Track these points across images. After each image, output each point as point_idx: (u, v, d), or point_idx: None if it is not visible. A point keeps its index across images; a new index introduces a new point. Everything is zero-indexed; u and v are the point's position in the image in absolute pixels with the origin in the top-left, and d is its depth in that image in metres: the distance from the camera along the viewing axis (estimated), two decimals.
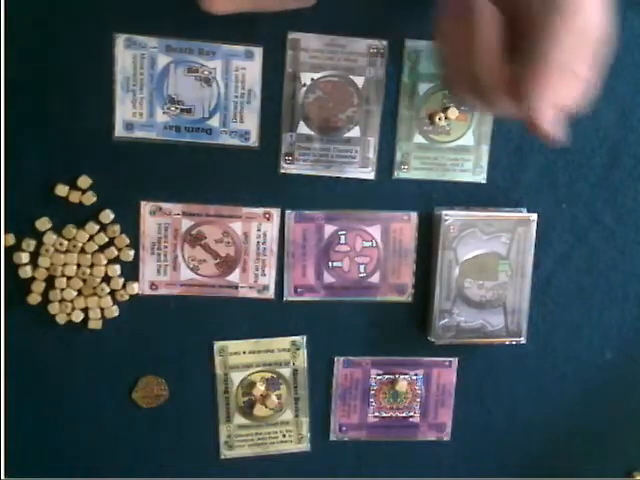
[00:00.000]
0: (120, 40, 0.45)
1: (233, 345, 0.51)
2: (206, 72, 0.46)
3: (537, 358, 0.54)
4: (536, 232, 0.51)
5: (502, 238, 0.50)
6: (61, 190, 0.47)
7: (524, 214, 0.51)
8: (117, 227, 0.48)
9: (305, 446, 0.54)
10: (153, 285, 0.50)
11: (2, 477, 0.50)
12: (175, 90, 0.47)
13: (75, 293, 0.48)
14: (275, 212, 0.49)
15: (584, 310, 0.54)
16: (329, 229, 0.50)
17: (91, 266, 0.48)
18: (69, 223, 0.48)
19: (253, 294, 0.51)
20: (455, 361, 0.53)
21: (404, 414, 0.54)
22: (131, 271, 0.49)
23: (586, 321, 0.54)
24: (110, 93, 0.46)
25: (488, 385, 0.54)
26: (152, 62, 0.46)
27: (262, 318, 0.51)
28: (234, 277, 0.50)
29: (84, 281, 0.48)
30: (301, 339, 0.52)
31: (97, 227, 0.48)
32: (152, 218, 0.49)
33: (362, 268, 0.51)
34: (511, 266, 0.51)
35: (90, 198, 0.47)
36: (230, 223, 0.49)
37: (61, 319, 0.48)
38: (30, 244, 0.47)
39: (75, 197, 0.47)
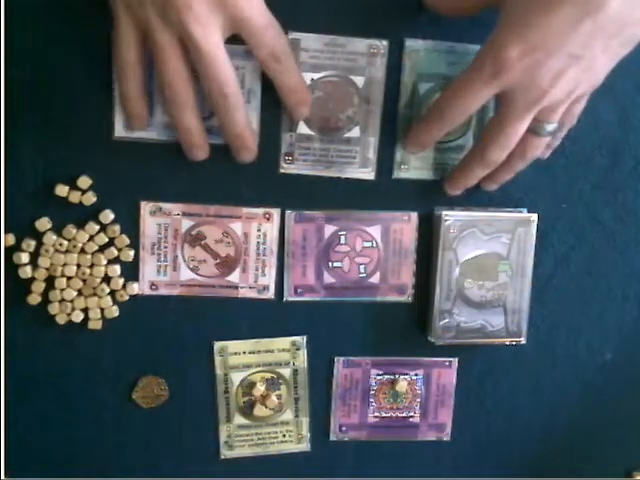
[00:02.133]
0: None
1: (233, 345, 0.51)
2: None
3: (537, 358, 0.54)
4: (536, 232, 0.51)
5: (502, 238, 0.50)
6: (61, 190, 0.47)
7: (524, 214, 0.51)
8: (117, 227, 0.48)
9: (305, 446, 0.54)
10: (153, 285, 0.50)
11: (2, 477, 0.50)
12: None
13: (75, 293, 0.48)
14: (275, 212, 0.49)
15: (584, 310, 0.54)
16: (329, 229, 0.50)
17: (91, 266, 0.48)
18: (69, 223, 0.48)
19: (253, 294, 0.51)
20: (455, 361, 0.53)
21: (404, 414, 0.54)
22: (131, 271, 0.49)
23: (586, 321, 0.54)
24: (110, 93, 0.46)
25: (488, 385, 0.54)
26: (151, 62, 0.45)
27: (262, 318, 0.51)
28: (234, 277, 0.50)
29: (84, 281, 0.48)
30: (301, 339, 0.52)
31: (97, 227, 0.47)
32: (152, 218, 0.49)
33: (362, 268, 0.51)
34: (511, 266, 0.51)
35: (90, 198, 0.47)
36: (230, 223, 0.49)
37: (61, 319, 0.48)
38: (30, 244, 0.47)
39: (75, 197, 0.47)
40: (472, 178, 0.48)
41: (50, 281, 0.48)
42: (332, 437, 0.54)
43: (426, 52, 0.48)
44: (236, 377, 0.52)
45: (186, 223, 0.49)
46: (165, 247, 0.49)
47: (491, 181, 0.49)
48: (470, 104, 0.43)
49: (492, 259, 0.51)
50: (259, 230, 0.50)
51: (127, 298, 0.49)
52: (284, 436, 0.53)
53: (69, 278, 0.48)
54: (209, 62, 0.41)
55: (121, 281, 0.49)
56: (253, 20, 0.41)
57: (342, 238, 0.50)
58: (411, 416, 0.54)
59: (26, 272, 0.47)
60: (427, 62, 0.48)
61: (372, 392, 0.53)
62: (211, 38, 0.40)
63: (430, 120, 0.46)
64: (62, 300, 0.48)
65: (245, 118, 0.44)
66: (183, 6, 0.39)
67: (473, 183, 0.48)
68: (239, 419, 0.52)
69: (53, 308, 0.48)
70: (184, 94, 0.43)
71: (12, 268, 0.47)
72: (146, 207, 0.48)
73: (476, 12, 0.44)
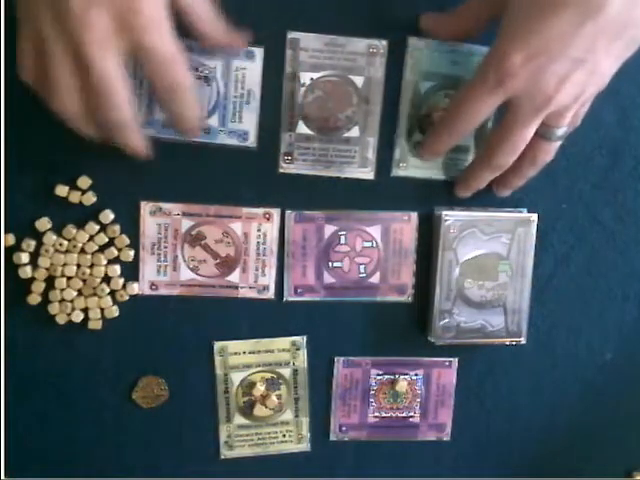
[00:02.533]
0: None
1: (233, 345, 0.51)
2: (206, 71, 0.46)
3: (537, 358, 0.54)
4: (536, 232, 0.51)
5: (502, 238, 0.50)
6: (61, 190, 0.47)
7: (524, 214, 0.51)
8: (117, 227, 0.48)
9: (305, 446, 0.54)
10: (153, 285, 0.50)
11: (2, 477, 0.50)
12: None
13: (75, 293, 0.48)
14: (275, 212, 0.49)
15: (584, 310, 0.54)
16: (329, 229, 0.50)
17: (91, 266, 0.48)
18: (69, 223, 0.48)
19: (253, 294, 0.51)
20: (455, 361, 0.53)
21: (404, 414, 0.54)
22: (131, 271, 0.49)
23: (586, 321, 0.54)
24: None
25: (488, 385, 0.54)
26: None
27: (262, 318, 0.51)
28: (234, 277, 0.50)
29: (84, 281, 0.48)
30: (301, 339, 0.52)
31: (97, 227, 0.48)
32: (152, 218, 0.49)
33: (362, 268, 0.51)
34: (511, 266, 0.51)
35: (90, 198, 0.47)
36: (230, 223, 0.49)
37: (61, 319, 0.48)
38: (30, 244, 0.47)
39: (75, 197, 0.47)
40: (481, 181, 0.48)
41: (50, 281, 0.48)
42: (332, 437, 0.54)
43: (428, 51, 0.48)
44: (236, 377, 0.52)
45: (186, 223, 0.49)
46: (165, 247, 0.49)
47: (504, 187, 0.49)
48: (478, 113, 0.43)
49: (492, 259, 0.50)
50: (259, 230, 0.50)
51: (127, 298, 0.49)
52: (284, 436, 0.53)
53: (69, 278, 0.48)
54: (101, 84, 0.38)
55: (121, 281, 0.49)
56: (158, 51, 0.39)
57: (342, 238, 0.50)
58: (411, 416, 0.54)
59: (26, 272, 0.47)
60: (429, 61, 0.48)
61: (372, 392, 0.53)
62: (107, 60, 0.38)
63: (441, 130, 0.46)
64: (62, 300, 0.48)
65: (138, 141, 0.43)
66: (82, 21, 0.37)
67: (483, 186, 0.49)
68: (239, 419, 0.52)
69: (53, 308, 0.48)
70: (72, 112, 0.40)
71: (12, 268, 0.47)
72: (146, 207, 0.48)
73: (478, 33, 0.44)
